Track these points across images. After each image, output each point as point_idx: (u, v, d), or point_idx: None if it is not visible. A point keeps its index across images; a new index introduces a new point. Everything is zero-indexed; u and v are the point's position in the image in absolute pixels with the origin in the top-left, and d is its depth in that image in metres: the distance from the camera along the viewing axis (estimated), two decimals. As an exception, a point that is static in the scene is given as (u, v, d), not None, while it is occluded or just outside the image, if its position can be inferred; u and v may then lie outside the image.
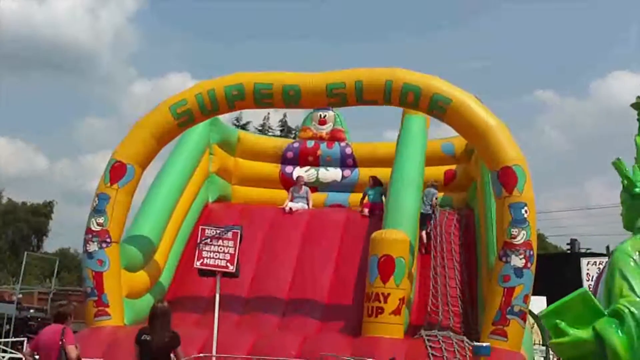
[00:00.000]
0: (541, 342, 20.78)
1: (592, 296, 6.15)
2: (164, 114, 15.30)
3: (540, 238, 33.97)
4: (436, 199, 18.38)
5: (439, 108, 14.72)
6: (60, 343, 10.10)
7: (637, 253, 6.14)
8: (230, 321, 14.90)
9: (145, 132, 15.29)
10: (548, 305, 19.80)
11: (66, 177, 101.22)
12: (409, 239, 14.53)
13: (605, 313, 5.99)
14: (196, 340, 13.39)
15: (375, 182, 18.56)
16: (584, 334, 6.03)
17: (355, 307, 14.89)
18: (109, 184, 15.07)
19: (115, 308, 14.61)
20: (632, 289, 5.93)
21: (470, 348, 13.50)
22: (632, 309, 5.85)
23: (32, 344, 10.77)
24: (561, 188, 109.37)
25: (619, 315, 5.91)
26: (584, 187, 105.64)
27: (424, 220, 17.54)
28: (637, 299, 5.92)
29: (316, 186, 20.25)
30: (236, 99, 15.39)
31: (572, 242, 36.43)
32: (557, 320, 6.23)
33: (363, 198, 18.74)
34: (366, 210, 18.18)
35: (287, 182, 19.86)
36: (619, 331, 5.84)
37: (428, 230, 17.71)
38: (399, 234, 14.47)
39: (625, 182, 6.52)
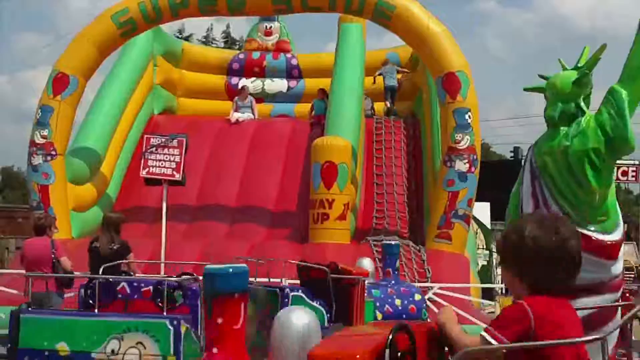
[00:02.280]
0: (484, 247, 21.25)
1: None
2: (106, 24, 15.05)
3: (484, 147, 34.40)
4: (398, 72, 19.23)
5: (383, 15, 14.70)
6: (53, 255, 9.95)
7: None
8: (178, 231, 14.98)
9: (87, 42, 15.06)
10: (492, 212, 20.20)
11: (4, 93, 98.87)
12: (351, 144, 14.64)
13: None
14: (144, 250, 13.40)
15: (324, 94, 18.54)
16: None
17: (302, 214, 15.07)
18: (52, 96, 14.88)
19: (62, 221, 14.47)
20: None
21: (417, 251, 13.82)
22: None
23: (20, 258, 10.52)
24: (503, 98, 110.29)
25: None
26: (525, 97, 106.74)
27: (394, 92, 18.99)
28: None
29: (262, 97, 20.17)
30: (180, 7, 15.12)
31: (515, 150, 36.92)
32: None
33: (311, 110, 18.78)
34: (314, 121, 18.23)
35: (233, 94, 19.72)
36: None
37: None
38: (340, 140, 14.57)
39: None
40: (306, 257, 13.40)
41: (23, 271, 10.25)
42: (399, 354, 3.40)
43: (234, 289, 3.76)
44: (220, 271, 3.76)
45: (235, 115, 18.36)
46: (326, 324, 6.95)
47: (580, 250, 3.52)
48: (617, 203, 5.68)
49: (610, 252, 5.63)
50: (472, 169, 14.08)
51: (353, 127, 15.61)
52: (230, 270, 3.75)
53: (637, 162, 19.05)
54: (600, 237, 5.59)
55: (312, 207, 14.33)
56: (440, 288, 12.52)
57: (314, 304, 7.14)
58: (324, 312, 7.00)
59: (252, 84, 20.13)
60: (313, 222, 14.28)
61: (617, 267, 5.63)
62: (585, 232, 5.58)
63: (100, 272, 7.81)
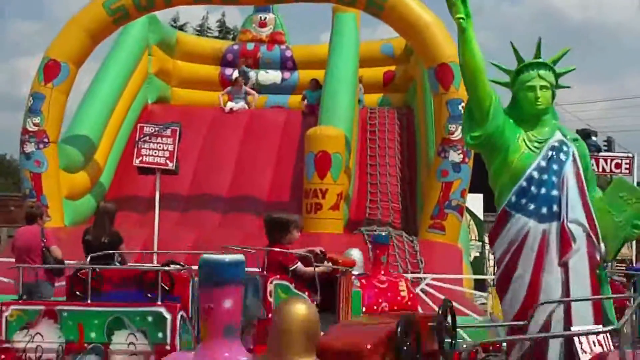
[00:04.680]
0: (477, 238, 21.23)
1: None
2: (98, 11, 14.98)
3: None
4: None
5: (376, 5, 14.71)
6: (43, 244, 9.92)
7: None
8: (171, 220, 14.96)
9: (79, 29, 15.02)
10: (484, 203, 20.18)
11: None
12: (344, 134, 14.63)
13: None
14: (137, 239, 13.38)
15: (317, 85, 18.55)
16: None
17: (295, 204, 15.05)
18: (43, 83, 14.85)
19: (54, 209, 14.50)
20: None
21: (410, 241, 13.83)
22: None
23: (11, 247, 10.51)
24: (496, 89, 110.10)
25: None
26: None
27: None
28: None
29: (256, 88, 20.13)
30: (173, -5, 15.11)
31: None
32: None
33: (303, 100, 18.79)
34: (306, 111, 18.24)
35: (227, 84, 19.69)
36: None
37: None
38: (334, 130, 14.58)
39: None
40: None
41: (13, 260, 10.22)
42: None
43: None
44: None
45: (229, 105, 18.34)
46: None
47: None
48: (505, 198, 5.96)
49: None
50: (466, 159, 14.11)
51: (347, 117, 15.60)
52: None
53: (630, 155, 19.01)
54: None
55: (306, 197, 14.33)
56: (433, 279, 12.51)
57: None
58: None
59: (246, 75, 20.08)
60: (306, 212, 14.27)
61: None
62: None
63: (89, 262, 7.89)
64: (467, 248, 15.92)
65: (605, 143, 22.26)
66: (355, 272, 8.37)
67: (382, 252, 9.10)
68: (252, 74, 19.73)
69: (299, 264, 7.53)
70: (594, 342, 5.19)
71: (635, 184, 19.22)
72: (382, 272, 8.67)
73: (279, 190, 16.11)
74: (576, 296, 5.70)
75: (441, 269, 13.11)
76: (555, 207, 5.82)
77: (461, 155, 14.02)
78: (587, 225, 5.84)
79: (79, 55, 15.11)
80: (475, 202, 20.06)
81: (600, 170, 19.41)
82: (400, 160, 17.24)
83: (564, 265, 5.77)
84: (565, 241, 5.78)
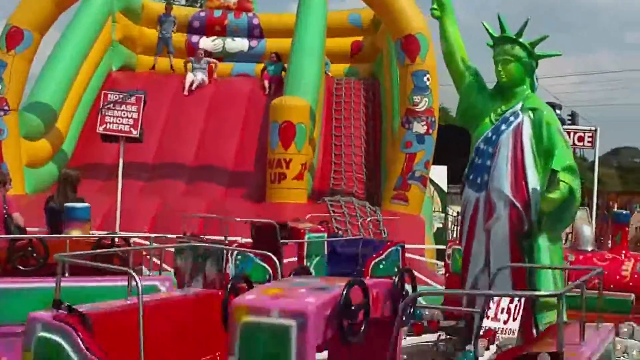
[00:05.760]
0: (440, 210, 21.39)
1: None
2: (63, -23, 14.79)
3: (445, 111, 34.48)
4: None
5: (344, -25, 14.65)
6: (5, 211, 9.79)
7: None
8: (135, 187, 14.91)
9: (43, -4, 14.79)
10: (449, 175, 20.29)
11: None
12: (309, 105, 14.63)
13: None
14: (100, 207, 13.30)
15: (278, 58, 18.46)
16: None
17: (260, 173, 15.07)
18: (5, 51, 14.67)
19: (15, 177, 14.28)
20: None
21: (373, 211, 13.91)
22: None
23: None
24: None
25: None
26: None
27: None
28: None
29: (222, 56, 19.99)
30: (137, -40, 14.94)
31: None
32: None
33: (263, 71, 18.66)
34: (266, 82, 18.12)
35: (193, 52, 19.53)
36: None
37: None
38: (299, 100, 14.57)
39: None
40: (263, 216, 13.46)
41: None
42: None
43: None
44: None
45: (189, 77, 18.05)
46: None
47: None
48: None
49: None
50: (430, 131, 14.18)
51: (312, 87, 15.56)
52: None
53: (593, 128, 19.07)
54: None
55: (270, 167, 14.33)
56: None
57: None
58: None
59: (212, 42, 19.94)
60: (270, 182, 14.30)
61: None
62: None
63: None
64: (429, 219, 16.01)
65: (569, 116, 22.41)
66: (588, 249, 8.86)
67: (616, 231, 9.25)
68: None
69: None
70: (502, 309, 5.33)
71: (596, 157, 19.36)
72: (624, 251, 8.82)
73: (244, 160, 16.09)
74: (495, 264, 5.79)
75: (403, 239, 13.13)
76: (486, 177, 5.98)
77: (425, 127, 14.09)
78: (509, 194, 5.89)
79: (43, 22, 14.93)
80: (439, 174, 20.20)
81: (564, 143, 19.37)
82: (366, 131, 17.26)
83: (487, 233, 5.97)
84: (489, 210, 5.96)
